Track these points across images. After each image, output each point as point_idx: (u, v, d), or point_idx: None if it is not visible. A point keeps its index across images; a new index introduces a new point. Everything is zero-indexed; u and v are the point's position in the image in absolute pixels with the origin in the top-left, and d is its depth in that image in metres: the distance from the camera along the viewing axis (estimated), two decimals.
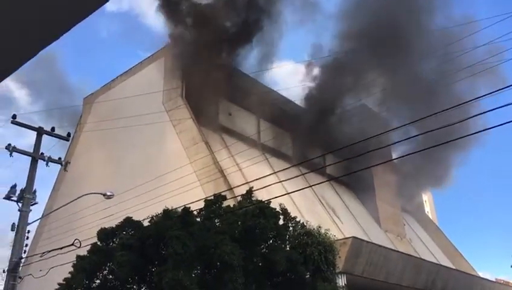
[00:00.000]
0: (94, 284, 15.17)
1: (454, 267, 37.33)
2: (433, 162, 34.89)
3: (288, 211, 16.10)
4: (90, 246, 15.80)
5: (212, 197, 15.56)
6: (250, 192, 15.82)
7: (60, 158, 17.62)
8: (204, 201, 15.48)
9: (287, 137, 35.10)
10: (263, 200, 14.90)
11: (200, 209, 15.23)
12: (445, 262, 40.24)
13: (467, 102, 9.87)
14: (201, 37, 30.24)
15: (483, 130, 9.46)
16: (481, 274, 41.24)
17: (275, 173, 19.69)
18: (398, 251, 28.50)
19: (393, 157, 23.67)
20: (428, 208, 52.07)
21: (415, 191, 49.25)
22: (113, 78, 36.75)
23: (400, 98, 35.05)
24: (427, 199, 52.61)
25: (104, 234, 15.74)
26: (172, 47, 31.74)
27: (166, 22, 32.74)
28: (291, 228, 15.92)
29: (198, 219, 15.02)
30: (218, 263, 13.44)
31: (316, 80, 35.78)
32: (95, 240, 15.98)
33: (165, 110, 29.90)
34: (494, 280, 38.12)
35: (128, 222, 15.72)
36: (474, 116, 9.69)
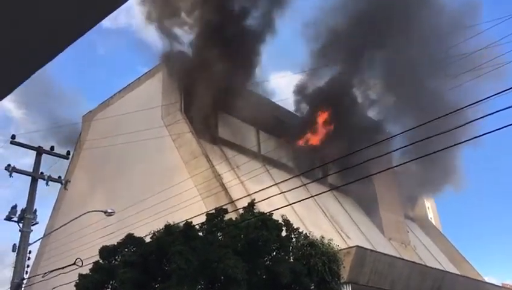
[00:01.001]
0: None
1: (460, 273, 37.04)
2: (436, 167, 34.81)
3: (291, 222, 16.00)
4: (92, 264, 15.68)
5: (214, 211, 15.48)
6: (251, 204, 15.75)
7: (59, 177, 17.59)
8: (206, 215, 15.40)
9: (288, 148, 35.08)
10: (265, 212, 14.82)
11: (202, 224, 15.15)
12: (451, 268, 39.94)
13: (464, 107, 9.88)
14: (199, 51, 30.40)
15: (481, 135, 9.44)
16: (487, 279, 40.92)
17: (276, 184, 19.63)
18: (402, 259, 28.31)
19: (395, 165, 23.58)
20: (431, 214, 51.79)
21: (418, 198, 49.12)
22: (111, 95, 36.89)
23: (400, 105, 35.13)
24: (430, 206, 52.36)
25: (106, 252, 15.63)
26: (170, 62, 31.89)
27: (164, 37, 32.91)
28: (294, 239, 15.81)
29: (201, 233, 14.93)
30: (222, 277, 13.32)
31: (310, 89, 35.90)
32: (97, 258, 15.86)
33: (164, 125, 29.94)
34: (500, 284, 37.77)
35: (130, 238, 15.63)
36: (468, 122, 9.70)
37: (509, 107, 8.19)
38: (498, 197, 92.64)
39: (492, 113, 8.58)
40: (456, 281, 29.62)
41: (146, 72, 34.78)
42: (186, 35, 33.16)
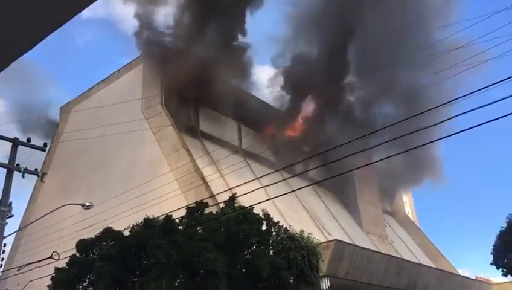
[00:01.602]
0: None
1: (435, 267, 37.83)
2: (415, 161, 35.36)
3: (271, 216, 16.06)
4: (69, 258, 15.46)
5: (194, 205, 15.42)
6: (232, 198, 15.75)
7: (36, 169, 17.22)
8: (186, 209, 15.33)
9: (269, 142, 35.13)
10: (246, 206, 14.83)
11: (182, 217, 15.08)
12: (426, 262, 40.74)
13: (441, 105, 10.05)
14: (180, 44, 30.12)
15: (454, 134, 9.60)
16: (461, 272, 41.92)
17: (257, 178, 19.65)
18: (380, 252, 28.73)
19: (374, 160, 23.85)
20: (408, 209, 52.71)
21: (396, 193, 49.90)
22: (90, 87, 36.29)
23: (382, 101, 35.51)
24: (407, 200, 53.27)
25: (83, 245, 15.44)
26: (150, 54, 31.51)
27: (144, 29, 32.47)
28: (274, 233, 15.88)
29: (181, 227, 14.86)
30: (202, 271, 13.31)
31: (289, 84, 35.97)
32: (74, 252, 15.64)
33: (145, 118, 29.62)
34: (474, 277, 38.74)
35: (108, 232, 15.46)
36: (443, 121, 9.87)
37: (485, 106, 8.38)
38: (473, 192, 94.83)
39: (465, 113, 8.75)
40: (431, 274, 30.24)
41: (126, 64, 34.30)
42: (167, 27, 32.82)
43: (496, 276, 42.73)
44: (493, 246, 42.01)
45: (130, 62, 33.75)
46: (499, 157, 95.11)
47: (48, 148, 36.51)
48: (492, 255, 42.09)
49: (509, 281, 37.85)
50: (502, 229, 41.46)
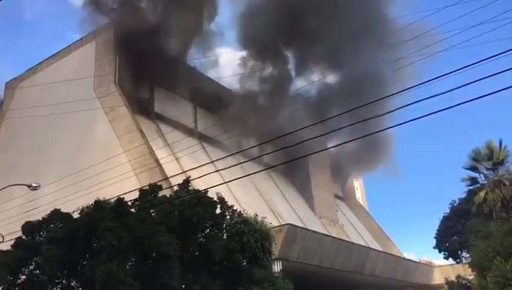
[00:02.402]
0: (19, 280, 14.29)
1: (382, 250, 39.38)
2: (368, 147, 36.33)
3: (226, 200, 16.07)
4: (14, 240, 14.84)
5: (147, 187, 15.15)
6: (187, 181, 15.60)
7: None
8: (139, 191, 15.05)
9: (225, 126, 34.99)
10: (200, 189, 14.73)
11: (135, 200, 14.80)
12: (374, 245, 42.36)
13: (391, 95, 10.32)
14: (135, 21, 29.14)
15: (407, 122, 9.90)
16: (406, 255, 43.92)
17: (212, 162, 19.57)
18: (331, 236, 29.54)
19: (329, 146, 24.29)
20: (359, 194, 54.37)
21: (347, 178, 51.28)
22: (38, 62, 34.60)
23: (335, 89, 36.04)
24: (358, 186, 54.91)
25: (30, 228, 14.85)
26: (104, 30, 30.35)
27: (98, 3, 31.20)
28: (228, 217, 15.92)
29: (133, 210, 14.58)
30: (154, 254, 13.15)
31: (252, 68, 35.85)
32: (20, 234, 15.03)
33: (97, 96, 28.61)
34: (417, 260, 40.72)
35: (56, 214, 14.94)
36: (393, 110, 10.17)
37: (431, 97, 8.67)
38: (420, 179, 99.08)
39: (416, 102, 9.01)
40: (379, 257, 31.47)
41: (77, 40, 32.89)
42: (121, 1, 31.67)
43: (438, 259, 45.26)
44: (436, 230, 44.35)
45: (82, 38, 32.38)
46: (446, 146, 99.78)
47: None
48: (435, 240, 44.45)
49: (450, 264, 40.05)
50: (445, 214, 43.79)
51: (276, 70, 35.47)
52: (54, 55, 33.77)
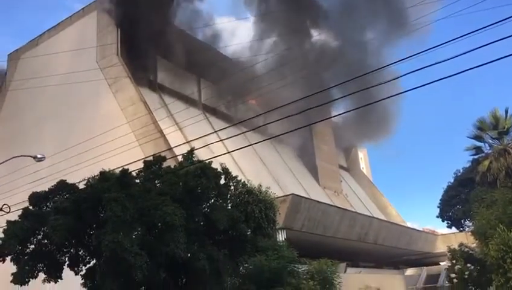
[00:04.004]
0: (28, 250, 14.54)
1: (385, 219, 39.74)
2: (371, 115, 36.17)
3: (230, 170, 16.11)
4: (21, 211, 15.01)
5: (152, 158, 15.17)
6: (191, 152, 15.59)
7: None
8: (144, 162, 15.08)
9: (228, 96, 34.76)
10: (204, 160, 14.75)
11: (139, 171, 14.84)
12: (378, 215, 42.72)
13: (389, 64, 10.15)
14: None
15: (408, 90, 9.79)
16: (409, 224, 44.32)
17: (215, 132, 19.55)
18: (335, 206, 29.78)
19: (332, 115, 24.17)
20: (363, 164, 54.47)
21: (351, 148, 51.29)
22: (40, 34, 34.24)
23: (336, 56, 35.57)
24: (362, 156, 54.94)
25: (36, 198, 14.96)
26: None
27: None
28: (232, 187, 15.98)
29: (138, 181, 14.64)
30: (160, 224, 13.28)
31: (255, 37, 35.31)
32: (27, 204, 15.19)
33: (99, 68, 28.41)
34: (421, 229, 41.09)
35: (62, 185, 15.01)
36: (391, 80, 10.07)
37: (436, 64, 8.53)
38: (424, 148, 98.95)
39: (419, 69, 8.87)
40: (382, 227, 31.78)
41: (79, 10, 32.43)
42: None
43: (441, 228, 45.63)
44: (440, 200, 44.56)
45: (84, 7, 31.92)
46: (450, 115, 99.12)
47: None
48: (439, 209, 44.72)
49: (453, 233, 40.41)
50: (449, 184, 43.89)
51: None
52: (55, 26, 33.40)
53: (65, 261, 14.54)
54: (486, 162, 26.80)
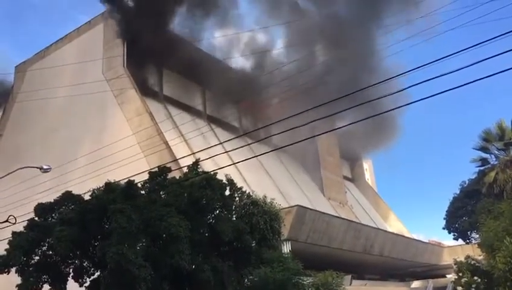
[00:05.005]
0: (33, 261, 14.55)
1: (391, 231, 39.46)
2: (377, 126, 36.12)
3: (235, 181, 16.11)
4: (26, 222, 15.06)
5: (157, 169, 15.21)
6: (196, 163, 15.63)
7: None
8: (149, 173, 15.12)
9: (233, 107, 34.89)
10: (209, 171, 14.78)
11: (145, 182, 14.88)
12: (383, 226, 42.45)
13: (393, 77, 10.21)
14: (144, 2, 28.95)
15: (414, 102, 9.77)
16: (415, 236, 43.96)
17: (220, 143, 19.59)
18: (340, 217, 29.63)
19: (337, 127, 24.11)
20: (368, 175, 54.28)
21: (357, 160, 51.17)
22: (47, 46, 34.61)
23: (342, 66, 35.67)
24: (367, 167, 54.79)
25: (42, 209, 15.03)
26: (113, 12, 30.17)
27: None
28: (237, 198, 15.98)
29: (143, 192, 14.68)
30: (165, 235, 13.27)
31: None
32: (32, 216, 15.24)
33: (106, 79, 28.64)
34: (427, 241, 40.74)
35: (68, 196, 15.08)
36: (396, 92, 10.08)
37: (442, 75, 8.53)
38: (430, 160, 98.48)
39: (424, 82, 8.88)
40: (387, 238, 31.56)
41: (86, 22, 32.79)
42: None
43: (447, 240, 45.21)
44: (446, 211, 44.20)
45: (91, 20, 32.28)
46: (456, 126, 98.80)
47: (3, 109, 35.07)
48: (445, 221, 44.35)
49: (460, 245, 40.01)
50: (455, 195, 43.56)
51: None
52: (62, 38, 33.75)
53: (69, 273, 14.55)
54: (493, 174, 26.60)
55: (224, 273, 14.06)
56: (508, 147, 26.94)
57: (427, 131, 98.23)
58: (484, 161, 28.23)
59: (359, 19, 32.40)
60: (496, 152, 27.48)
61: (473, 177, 35.69)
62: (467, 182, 41.95)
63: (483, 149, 27.69)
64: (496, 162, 27.37)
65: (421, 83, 9.06)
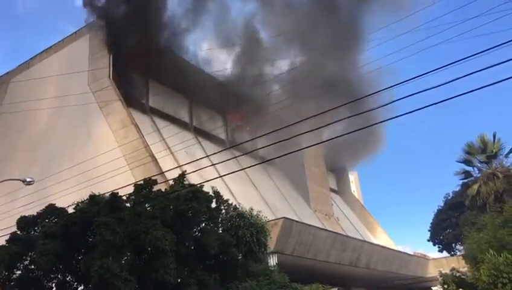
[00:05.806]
0: (14, 276, 14.26)
1: (377, 243, 39.57)
2: (363, 138, 36.42)
3: (221, 194, 16.07)
4: (9, 235, 14.78)
5: (142, 182, 15.11)
6: (182, 176, 15.57)
7: None
8: (134, 186, 15.00)
9: (220, 120, 34.90)
10: (195, 183, 14.72)
11: (130, 194, 14.75)
12: (369, 238, 42.56)
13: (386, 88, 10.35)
14: (130, 14, 28.95)
15: (401, 115, 9.92)
16: (401, 248, 44.14)
17: (207, 156, 19.54)
18: (326, 230, 29.62)
19: (324, 139, 24.29)
20: (354, 188, 54.55)
21: (342, 172, 51.43)
22: (32, 57, 34.34)
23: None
24: (353, 179, 55.09)
25: (24, 222, 14.79)
26: (98, 23, 30.12)
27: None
28: (223, 211, 15.93)
29: (128, 205, 14.54)
30: (150, 249, 13.14)
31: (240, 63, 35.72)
32: (15, 229, 14.97)
33: (91, 91, 28.45)
34: (412, 253, 40.93)
35: (51, 209, 14.88)
36: (382, 106, 10.24)
37: (423, 91, 8.70)
38: (414, 173, 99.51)
39: (410, 95, 9.03)
40: (374, 250, 31.63)
41: (71, 34, 32.64)
42: None
43: (433, 252, 45.50)
44: (430, 223, 44.54)
45: (76, 31, 32.14)
46: (439, 139, 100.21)
47: None
48: (429, 232, 44.67)
49: (445, 257, 40.27)
50: (439, 207, 43.95)
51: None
52: (47, 49, 33.52)
53: (52, 288, 14.28)
54: (476, 186, 26.98)
55: (210, 287, 13.94)
56: (490, 160, 27.39)
57: (412, 143, 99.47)
58: (467, 174, 28.64)
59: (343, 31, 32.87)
60: (479, 165, 27.92)
61: (457, 189, 36.16)
62: (451, 194, 42.36)
63: (466, 162, 28.11)
64: (479, 175, 27.79)
65: (404, 97, 9.23)
